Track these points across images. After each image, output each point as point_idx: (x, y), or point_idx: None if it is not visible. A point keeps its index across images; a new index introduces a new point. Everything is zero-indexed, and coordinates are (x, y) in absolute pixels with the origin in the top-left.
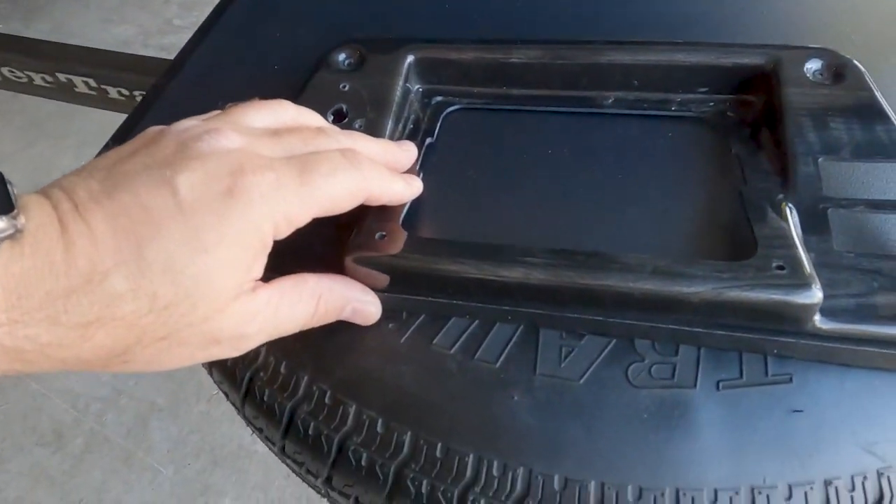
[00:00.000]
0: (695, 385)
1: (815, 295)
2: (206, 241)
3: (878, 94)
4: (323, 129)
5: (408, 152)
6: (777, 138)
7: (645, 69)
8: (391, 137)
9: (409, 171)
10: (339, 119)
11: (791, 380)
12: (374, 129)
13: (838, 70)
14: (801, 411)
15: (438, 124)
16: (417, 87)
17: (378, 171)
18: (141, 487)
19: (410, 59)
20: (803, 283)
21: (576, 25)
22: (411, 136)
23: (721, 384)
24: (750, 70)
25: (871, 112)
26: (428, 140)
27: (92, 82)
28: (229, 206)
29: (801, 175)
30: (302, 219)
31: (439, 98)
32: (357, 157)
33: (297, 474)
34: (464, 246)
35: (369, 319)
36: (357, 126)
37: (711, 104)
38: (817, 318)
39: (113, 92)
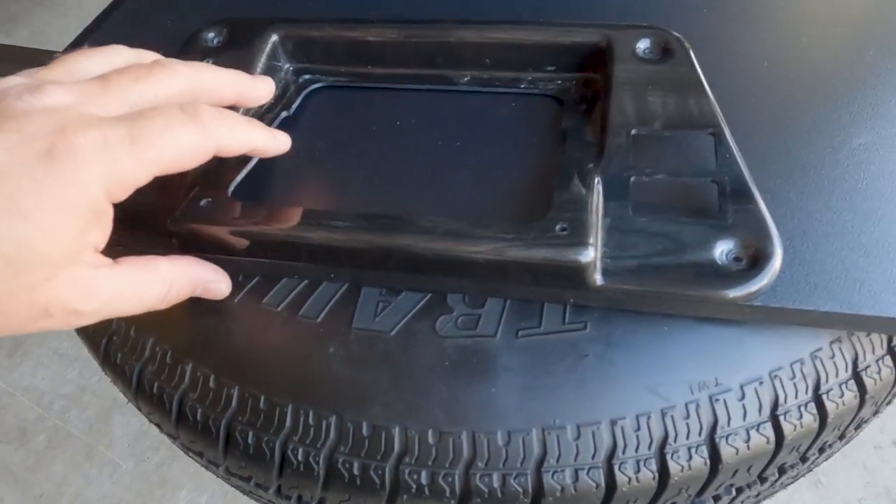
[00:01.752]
0: (495, 334)
1: (588, 255)
2: (23, 207)
3: (698, 70)
4: (159, 62)
5: (264, 83)
6: (603, 112)
7: (492, 47)
8: (247, 115)
9: None
10: None
11: (586, 327)
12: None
13: (666, 47)
14: (587, 355)
15: (298, 101)
16: (288, 65)
17: (225, 121)
18: (101, 481)
19: (275, 37)
20: (578, 244)
21: (447, 4)
22: (268, 111)
23: (520, 332)
24: (588, 48)
25: (688, 87)
26: (283, 114)
27: None
28: (48, 169)
29: (612, 146)
30: (138, 179)
31: (307, 76)
32: (198, 110)
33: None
34: (277, 211)
35: (220, 296)
36: None
37: (559, 82)
38: (597, 276)
39: None
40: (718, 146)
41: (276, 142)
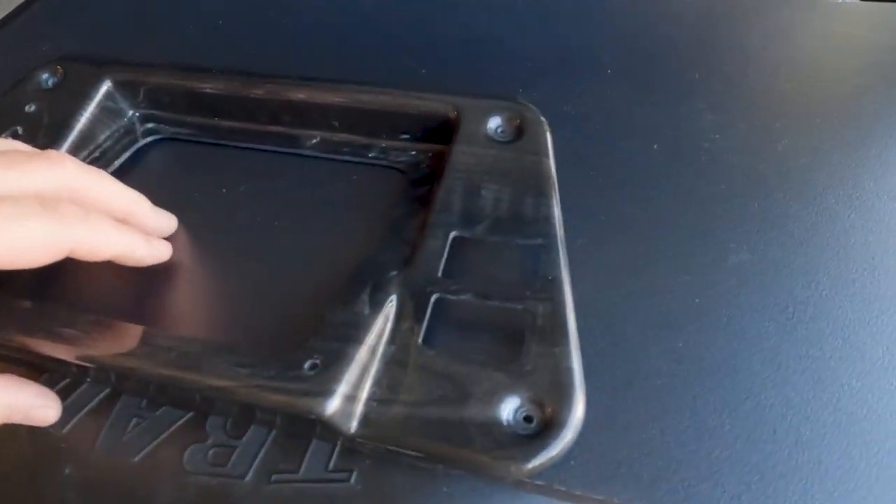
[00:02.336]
0: (245, 476)
1: (332, 406)
2: None
3: (549, 158)
4: (47, 152)
5: (166, 217)
6: (429, 206)
7: (337, 110)
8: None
9: None
10: None
11: (350, 478)
12: None
13: (519, 126)
14: None
15: (127, 155)
16: (132, 112)
17: (90, 221)
18: None
19: (108, 82)
20: (322, 392)
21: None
22: (100, 160)
23: (274, 477)
24: (438, 120)
25: (531, 180)
26: (115, 163)
27: None
28: None
29: (425, 251)
30: None
31: (149, 125)
32: (59, 204)
33: None
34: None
35: (46, 423)
36: None
37: (413, 153)
38: (353, 424)
39: None
40: (543, 262)
41: (150, 250)
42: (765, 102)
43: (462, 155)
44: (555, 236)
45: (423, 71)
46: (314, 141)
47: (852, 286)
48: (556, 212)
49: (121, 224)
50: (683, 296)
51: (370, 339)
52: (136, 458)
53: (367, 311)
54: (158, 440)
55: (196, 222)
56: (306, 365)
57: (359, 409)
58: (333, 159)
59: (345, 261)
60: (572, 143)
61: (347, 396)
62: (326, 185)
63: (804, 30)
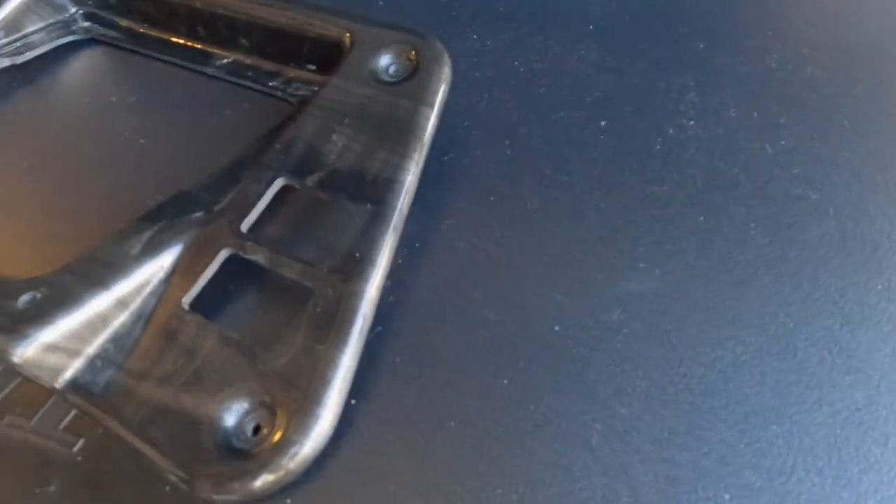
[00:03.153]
0: None
1: (20, 350)
2: None
3: (432, 112)
4: None
5: None
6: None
7: (245, 25)
8: None
9: None
10: None
11: (74, 446)
12: None
13: (414, 65)
14: None
15: (40, 49)
16: (75, 8)
17: None
18: None
19: None
20: (16, 331)
21: None
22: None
23: (7, 419)
24: (332, 45)
25: (395, 133)
26: (8, 61)
27: None
28: None
29: (240, 194)
30: None
31: (85, 24)
32: None
33: None
34: None
35: None
36: None
37: (315, 87)
38: (62, 378)
39: None
40: (362, 236)
41: None
42: (766, 92)
43: (333, 90)
44: (393, 206)
45: None
46: (225, 61)
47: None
48: (409, 177)
49: None
50: (533, 324)
51: (124, 287)
52: None
53: (137, 253)
54: None
55: (69, 127)
56: (25, 296)
57: (76, 363)
58: (237, 83)
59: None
60: (486, 99)
61: (51, 346)
62: (209, 108)
63: None
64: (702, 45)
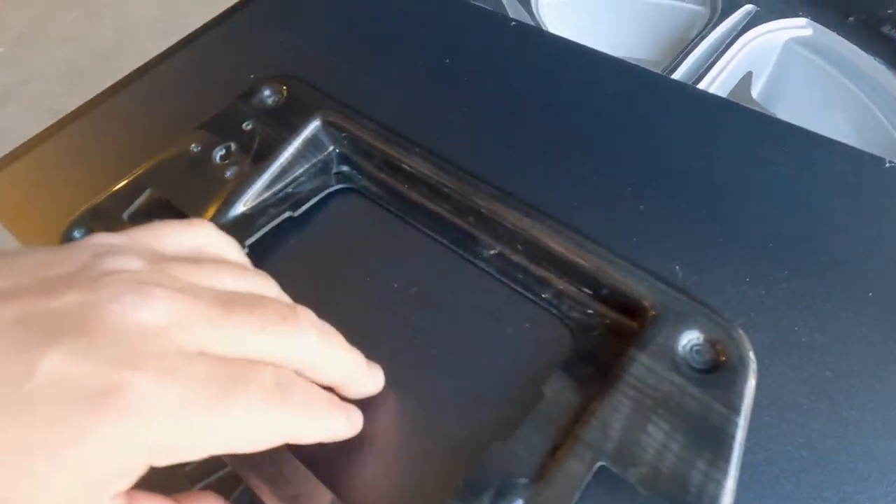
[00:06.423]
0: None
1: None
2: (39, 466)
3: (739, 421)
4: (295, 312)
5: (374, 380)
6: (586, 413)
7: (526, 239)
8: (257, 200)
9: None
10: (223, 158)
11: None
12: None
13: (719, 355)
14: None
15: (312, 201)
16: (332, 148)
17: (312, 407)
18: None
19: (318, 119)
20: None
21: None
22: (278, 205)
23: None
24: (634, 299)
25: (709, 441)
26: (287, 213)
27: None
28: (98, 420)
29: (562, 471)
30: (189, 455)
31: (344, 168)
32: (292, 389)
33: None
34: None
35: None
36: (228, 174)
37: (590, 311)
38: None
39: None
40: None
41: (350, 428)
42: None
43: (641, 369)
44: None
45: (641, 207)
46: (492, 252)
47: None
48: (729, 497)
49: (331, 400)
50: None
51: None
52: None
53: None
54: None
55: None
56: None
57: None
58: (504, 282)
59: (480, 423)
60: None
61: None
62: (495, 317)
63: None
64: None
